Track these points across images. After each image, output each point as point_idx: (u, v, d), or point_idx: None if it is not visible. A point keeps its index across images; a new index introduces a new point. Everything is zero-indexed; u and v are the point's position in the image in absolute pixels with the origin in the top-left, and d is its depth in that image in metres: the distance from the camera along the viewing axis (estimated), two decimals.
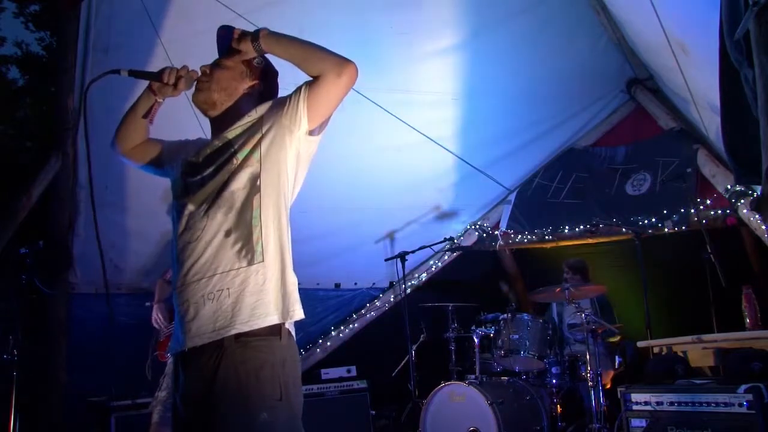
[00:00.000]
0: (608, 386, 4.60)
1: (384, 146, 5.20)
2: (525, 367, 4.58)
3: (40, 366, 4.57)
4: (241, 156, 1.82)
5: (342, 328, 6.01)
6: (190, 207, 1.83)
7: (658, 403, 3.34)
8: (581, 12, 4.94)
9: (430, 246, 5.59)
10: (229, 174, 1.80)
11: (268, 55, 2.01)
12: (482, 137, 5.45)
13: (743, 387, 3.04)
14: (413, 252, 5.42)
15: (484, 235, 6.13)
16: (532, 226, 5.79)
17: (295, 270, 1.95)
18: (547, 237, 5.72)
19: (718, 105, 2.43)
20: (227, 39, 2.01)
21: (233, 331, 1.66)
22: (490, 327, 4.61)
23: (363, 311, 6.15)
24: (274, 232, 1.77)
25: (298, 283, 1.89)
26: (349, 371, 5.17)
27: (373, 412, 5.14)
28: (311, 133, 1.88)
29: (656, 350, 4.15)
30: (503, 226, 5.95)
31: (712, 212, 4.89)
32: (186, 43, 4.29)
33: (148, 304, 4.03)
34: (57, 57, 4.34)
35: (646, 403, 3.39)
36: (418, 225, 5.87)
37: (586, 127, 5.89)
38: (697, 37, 3.44)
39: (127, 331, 4.81)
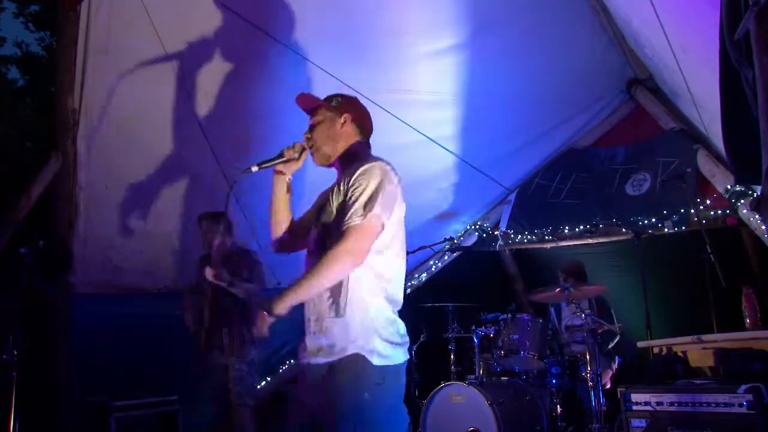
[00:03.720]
0: (608, 386, 4.60)
1: (384, 146, 5.17)
2: (525, 367, 4.57)
3: (40, 366, 4.57)
4: None
5: None
6: None
7: (658, 403, 3.34)
8: (581, 12, 4.94)
9: (430, 246, 5.58)
10: None
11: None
12: (482, 137, 5.45)
13: (743, 387, 3.04)
14: (413, 252, 5.40)
15: (484, 235, 6.13)
16: (532, 227, 5.79)
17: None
18: (547, 237, 5.71)
19: (718, 105, 2.43)
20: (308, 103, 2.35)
21: None
22: (490, 327, 4.60)
23: None
24: None
25: None
26: None
27: None
28: None
29: (656, 350, 4.15)
30: (503, 226, 5.94)
31: (712, 212, 4.89)
32: (186, 43, 4.30)
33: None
34: (57, 57, 4.34)
35: (646, 403, 3.39)
36: (418, 225, 5.87)
37: (586, 127, 5.89)
38: (697, 37, 3.45)
39: (127, 331, 4.82)
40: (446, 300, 5.01)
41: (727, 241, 4.99)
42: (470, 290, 5.56)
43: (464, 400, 4.14)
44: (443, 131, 5.28)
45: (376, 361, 1.99)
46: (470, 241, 6.18)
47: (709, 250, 4.27)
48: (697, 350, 3.88)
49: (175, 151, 4.74)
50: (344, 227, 1.99)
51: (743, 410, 3.01)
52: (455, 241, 6.09)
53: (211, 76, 4.46)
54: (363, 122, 2.32)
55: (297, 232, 2.34)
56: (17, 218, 4.32)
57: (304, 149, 2.31)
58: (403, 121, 5.03)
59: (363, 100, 5.05)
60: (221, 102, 4.59)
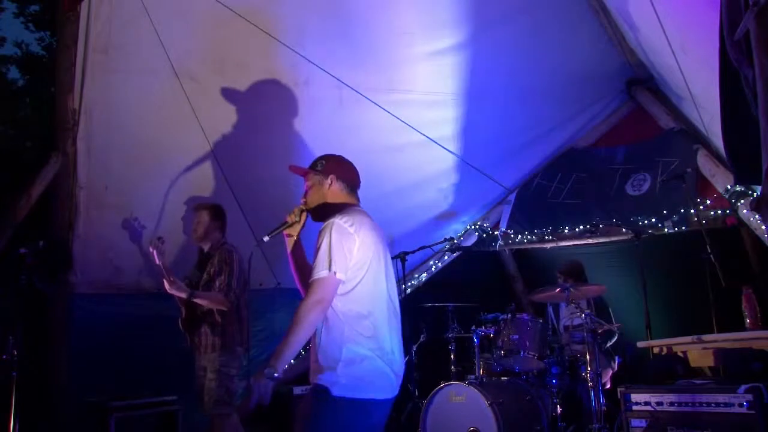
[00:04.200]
0: (608, 386, 4.60)
1: (384, 146, 5.20)
2: (525, 367, 4.57)
3: (40, 366, 4.57)
4: None
5: None
6: None
7: (658, 403, 3.34)
8: (581, 12, 4.94)
9: (430, 246, 5.59)
10: None
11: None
12: (482, 137, 5.45)
13: (743, 387, 3.04)
14: (413, 252, 5.41)
15: (484, 235, 6.13)
16: (532, 227, 5.79)
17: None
18: (547, 237, 5.71)
19: (718, 105, 2.43)
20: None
21: None
22: (490, 327, 4.60)
23: None
24: None
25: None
26: None
27: None
28: None
29: (656, 350, 4.15)
30: (503, 226, 5.95)
31: (712, 212, 4.89)
32: (186, 43, 4.30)
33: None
34: (57, 57, 4.34)
35: (646, 403, 3.39)
36: (418, 225, 5.87)
37: (586, 127, 5.89)
38: (697, 37, 3.45)
39: (127, 331, 4.81)
40: (446, 300, 5.02)
41: (727, 241, 4.99)
42: (470, 290, 5.57)
43: (464, 400, 4.14)
44: (443, 131, 5.28)
45: (336, 392, 2.22)
46: (470, 241, 6.17)
47: (709, 250, 4.26)
48: (697, 350, 3.88)
49: (175, 151, 4.74)
50: (310, 280, 2.31)
51: (743, 410, 3.01)
52: (455, 241, 6.09)
53: (211, 75, 4.46)
54: (348, 177, 2.62)
55: None
56: (17, 218, 4.31)
57: (303, 212, 2.60)
58: (403, 121, 5.03)
59: (363, 100, 5.09)
60: (221, 101, 4.59)
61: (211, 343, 3.89)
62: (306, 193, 2.63)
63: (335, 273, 2.27)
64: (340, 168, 2.62)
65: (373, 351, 2.30)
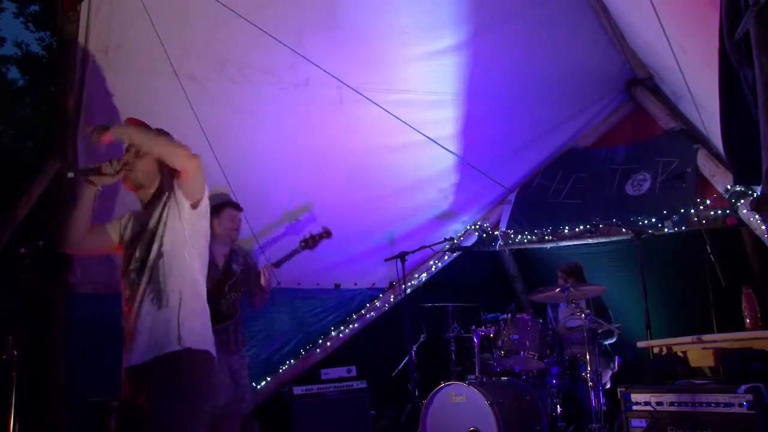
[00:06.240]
0: (608, 386, 4.60)
1: (384, 146, 5.20)
2: (525, 367, 4.58)
3: (40, 366, 4.56)
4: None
5: (342, 328, 6.01)
6: None
7: (658, 403, 3.34)
8: (581, 12, 4.94)
9: (430, 246, 5.58)
10: None
11: None
12: (482, 137, 5.45)
13: (743, 387, 3.04)
14: (413, 252, 5.41)
15: (484, 235, 6.13)
16: (532, 226, 5.79)
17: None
18: (547, 237, 5.72)
19: (718, 105, 2.43)
20: None
21: None
22: (490, 327, 4.60)
23: (363, 311, 6.14)
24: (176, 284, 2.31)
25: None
26: (349, 371, 5.17)
27: (373, 413, 5.14)
28: (195, 206, 2.45)
29: (656, 350, 4.16)
30: (503, 226, 5.95)
31: (712, 212, 4.89)
32: (186, 42, 4.30)
33: None
34: (57, 57, 4.34)
35: (646, 403, 3.39)
36: (418, 225, 5.87)
37: (586, 127, 5.89)
38: (697, 37, 3.45)
39: None
40: (446, 300, 5.01)
41: (727, 241, 4.98)
42: (470, 290, 5.56)
43: (464, 400, 4.14)
44: (443, 131, 5.28)
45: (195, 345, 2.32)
46: (470, 241, 6.18)
47: (709, 250, 4.26)
48: (697, 350, 3.88)
49: None
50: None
51: (743, 410, 3.01)
52: (455, 241, 6.09)
53: (212, 75, 4.46)
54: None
55: (92, 239, 2.56)
56: (17, 218, 4.31)
57: (121, 170, 2.43)
58: (403, 121, 5.03)
59: (363, 100, 5.08)
60: (222, 102, 4.59)
61: (242, 340, 3.97)
62: (137, 153, 2.48)
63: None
64: None
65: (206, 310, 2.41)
